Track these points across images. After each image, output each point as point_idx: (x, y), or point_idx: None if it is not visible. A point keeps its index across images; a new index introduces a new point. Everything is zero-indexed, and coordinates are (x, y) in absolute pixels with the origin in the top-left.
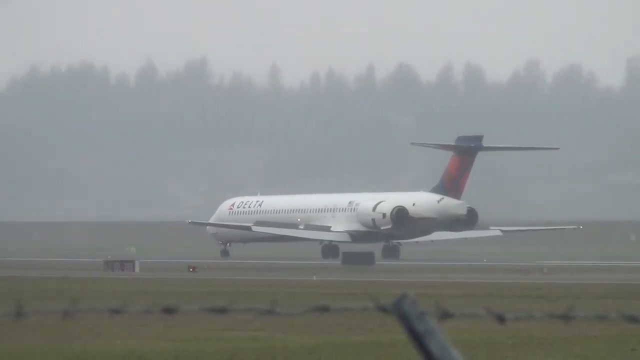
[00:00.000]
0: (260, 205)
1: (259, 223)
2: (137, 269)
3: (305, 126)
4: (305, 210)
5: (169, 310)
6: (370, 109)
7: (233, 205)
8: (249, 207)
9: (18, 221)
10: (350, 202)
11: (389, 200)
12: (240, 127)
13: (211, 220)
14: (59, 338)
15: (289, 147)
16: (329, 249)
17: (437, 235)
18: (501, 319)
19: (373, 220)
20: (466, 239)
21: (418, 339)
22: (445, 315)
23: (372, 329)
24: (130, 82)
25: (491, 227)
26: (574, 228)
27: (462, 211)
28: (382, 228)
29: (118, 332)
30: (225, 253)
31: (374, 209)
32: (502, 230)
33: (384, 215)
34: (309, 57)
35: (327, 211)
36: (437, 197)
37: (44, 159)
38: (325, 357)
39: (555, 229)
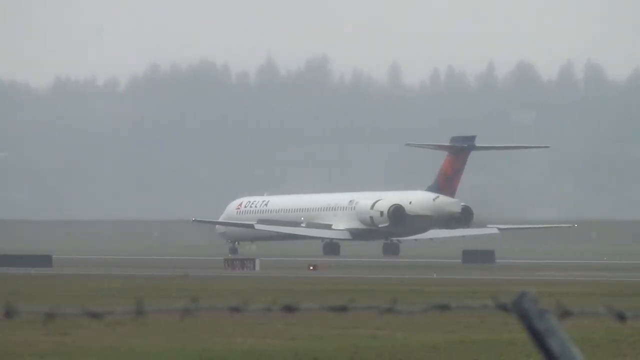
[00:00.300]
0: (266, 204)
1: (261, 221)
2: (257, 267)
3: (426, 124)
4: (308, 209)
5: (289, 309)
6: (490, 106)
7: (241, 205)
8: (256, 206)
9: (138, 219)
10: (350, 201)
11: (386, 199)
12: (360, 125)
13: (220, 220)
14: (179, 336)
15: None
16: (330, 246)
17: (435, 233)
18: (621, 317)
19: (371, 218)
20: (464, 236)
21: (538, 337)
22: (565, 314)
23: (492, 327)
24: (250, 80)
25: (488, 225)
26: (569, 226)
27: (457, 209)
28: (379, 226)
29: (238, 330)
30: (233, 251)
31: (372, 207)
32: (499, 229)
33: (382, 213)
34: (429, 55)
35: (329, 210)
36: (432, 195)
37: (163, 156)
38: (445, 355)
39: (551, 227)
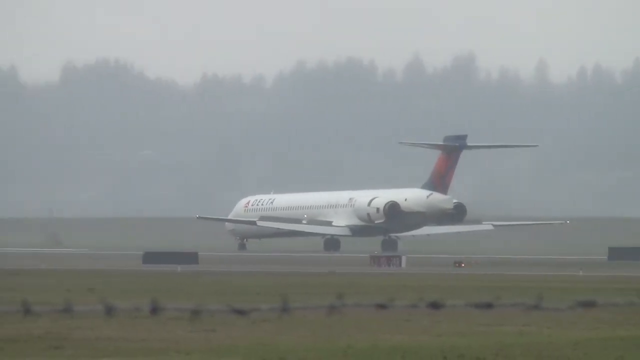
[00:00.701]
0: (272, 202)
1: (263, 218)
2: (403, 264)
3: (572, 122)
4: (311, 206)
5: (435, 305)
6: (638, 102)
7: (248, 203)
8: (262, 204)
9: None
10: (350, 199)
11: (382, 196)
12: (507, 123)
13: (230, 217)
14: (325, 333)
15: (556, 143)
16: (331, 242)
17: (430, 229)
18: None
19: (368, 214)
20: (459, 233)
21: None
22: None
23: (638, 324)
24: (397, 77)
25: (483, 222)
26: (561, 223)
27: (449, 205)
28: (376, 222)
29: (384, 327)
30: (242, 246)
31: (369, 204)
32: (493, 225)
33: (378, 209)
34: (576, 51)
35: (330, 207)
36: (426, 192)
37: (308, 152)
38: (590, 352)
39: (544, 223)
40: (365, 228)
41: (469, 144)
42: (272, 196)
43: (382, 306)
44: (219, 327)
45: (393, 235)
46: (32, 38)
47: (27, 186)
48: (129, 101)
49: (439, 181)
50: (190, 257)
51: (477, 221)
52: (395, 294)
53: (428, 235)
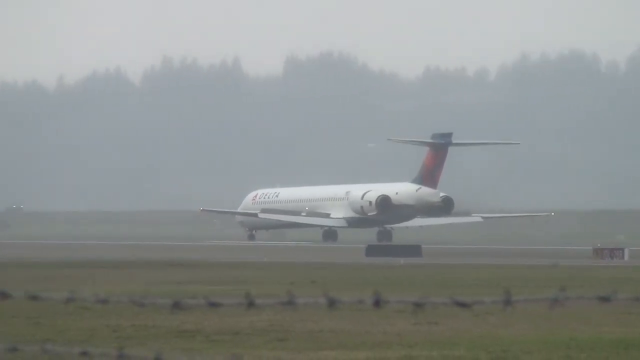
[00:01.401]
0: (277, 196)
1: (265, 210)
2: (626, 257)
3: None
4: (311, 199)
5: None
6: None
7: (256, 196)
8: (268, 197)
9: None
10: (347, 192)
11: (375, 190)
12: None
13: (239, 210)
14: (547, 326)
15: None
16: (329, 233)
17: (422, 221)
18: None
19: (361, 207)
20: (451, 224)
21: None
22: None
23: None
24: (620, 69)
25: (473, 214)
26: (547, 215)
27: (437, 199)
28: (369, 214)
29: (606, 320)
30: (251, 237)
31: (362, 197)
32: (483, 217)
33: (370, 202)
34: None
35: (328, 200)
36: (416, 186)
37: (532, 144)
38: None
39: (530, 215)
40: (360, 220)
41: (454, 142)
42: (277, 190)
43: (604, 299)
44: (442, 320)
45: (388, 226)
46: (255, 30)
47: (243, 179)
48: (352, 93)
49: (428, 176)
50: (414, 250)
51: (467, 213)
52: (618, 287)
53: (420, 226)
